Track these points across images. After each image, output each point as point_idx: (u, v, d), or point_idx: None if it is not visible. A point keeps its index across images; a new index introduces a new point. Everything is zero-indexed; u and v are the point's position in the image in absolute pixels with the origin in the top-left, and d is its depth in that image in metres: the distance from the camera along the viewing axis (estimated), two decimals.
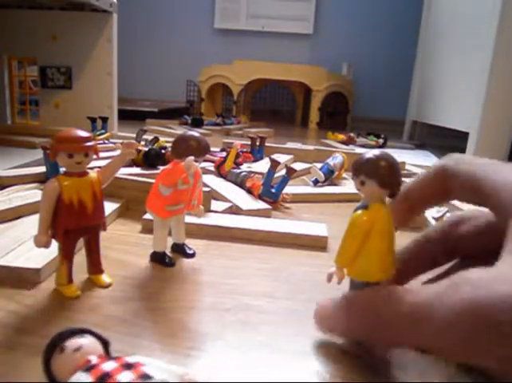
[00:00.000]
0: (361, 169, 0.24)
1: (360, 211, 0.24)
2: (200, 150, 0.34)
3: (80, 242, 0.32)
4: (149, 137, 0.83)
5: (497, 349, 0.18)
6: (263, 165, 0.78)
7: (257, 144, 0.86)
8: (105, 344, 0.19)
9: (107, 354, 0.19)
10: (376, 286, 0.24)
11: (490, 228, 0.26)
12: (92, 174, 0.30)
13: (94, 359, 0.17)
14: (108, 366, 0.17)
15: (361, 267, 0.25)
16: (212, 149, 0.75)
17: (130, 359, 0.17)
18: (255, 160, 0.83)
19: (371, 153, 0.24)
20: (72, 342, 0.18)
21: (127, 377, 0.16)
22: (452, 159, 0.25)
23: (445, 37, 1.43)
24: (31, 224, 0.42)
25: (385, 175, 0.23)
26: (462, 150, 1.10)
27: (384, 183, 0.23)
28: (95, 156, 0.30)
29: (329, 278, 0.26)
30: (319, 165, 0.71)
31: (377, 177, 0.23)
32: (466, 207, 0.25)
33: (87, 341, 0.18)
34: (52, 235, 0.29)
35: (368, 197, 0.24)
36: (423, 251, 0.28)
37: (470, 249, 0.27)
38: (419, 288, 0.22)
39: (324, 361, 0.25)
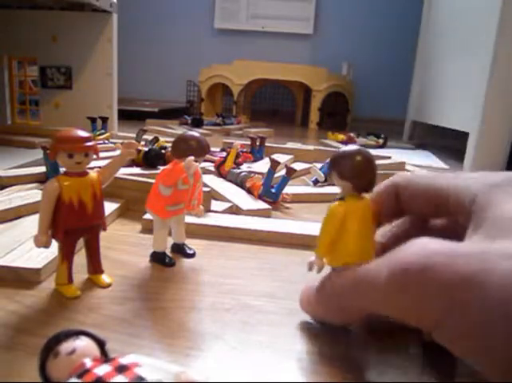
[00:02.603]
0: (330, 163, 0.26)
1: (335, 203, 0.26)
2: (200, 150, 0.34)
3: (80, 242, 0.32)
4: (149, 137, 0.83)
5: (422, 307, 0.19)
6: (263, 165, 0.78)
7: (258, 144, 0.86)
8: (101, 344, 0.19)
9: (103, 355, 0.19)
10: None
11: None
12: (92, 174, 0.30)
13: (88, 362, 0.17)
14: (102, 370, 0.17)
15: (338, 256, 0.26)
16: (212, 149, 0.75)
17: (125, 360, 0.17)
18: (255, 160, 0.83)
19: (341, 149, 0.26)
20: (66, 346, 0.18)
21: (120, 381, 0.16)
22: (401, 177, 0.26)
23: (445, 37, 1.43)
24: (31, 224, 0.42)
25: (344, 168, 0.25)
26: (463, 150, 1.10)
27: (342, 175, 0.25)
28: (95, 156, 0.30)
29: (310, 266, 0.27)
30: (319, 165, 0.71)
31: (337, 170, 0.26)
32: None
33: (81, 343, 0.18)
34: (52, 235, 0.29)
35: (341, 190, 0.26)
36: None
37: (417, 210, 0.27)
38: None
39: (324, 361, 0.25)
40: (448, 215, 0.25)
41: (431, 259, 0.19)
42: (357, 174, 0.25)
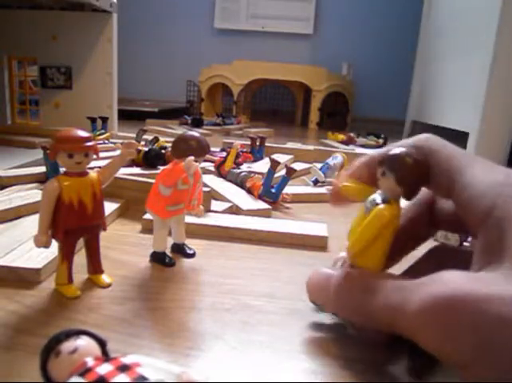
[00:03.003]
0: (385, 160, 0.24)
1: (383, 206, 0.24)
2: (200, 150, 0.34)
3: (80, 242, 0.32)
4: (149, 137, 0.83)
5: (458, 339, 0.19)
6: (263, 165, 0.78)
7: (258, 144, 0.86)
8: (102, 344, 0.19)
9: (104, 354, 0.19)
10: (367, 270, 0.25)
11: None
12: (92, 174, 0.30)
13: (90, 361, 0.17)
14: (103, 369, 0.17)
15: (365, 258, 0.25)
16: (212, 149, 0.75)
17: (126, 360, 0.17)
18: (255, 160, 0.83)
19: (403, 149, 0.25)
20: (68, 345, 0.18)
21: (122, 380, 0.16)
22: (429, 141, 0.26)
23: (445, 37, 1.43)
24: (31, 224, 0.42)
25: (404, 172, 0.24)
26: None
27: (400, 179, 0.24)
28: (95, 156, 0.30)
29: (336, 262, 0.26)
30: (319, 165, 0.71)
31: (396, 172, 0.24)
32: None
33: (83, 342, 0.18)
34: (52, 235, 0.29)
35: (385, 190, 0.25)
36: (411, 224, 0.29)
37: (449, 222, 0.27)
38: (400, 279, 0.23)
39: (324, 361, 0.25)
40: (457, 207, 0.24)
41: (465, 297, 0.19)
42: (415, 183, 0.24)
